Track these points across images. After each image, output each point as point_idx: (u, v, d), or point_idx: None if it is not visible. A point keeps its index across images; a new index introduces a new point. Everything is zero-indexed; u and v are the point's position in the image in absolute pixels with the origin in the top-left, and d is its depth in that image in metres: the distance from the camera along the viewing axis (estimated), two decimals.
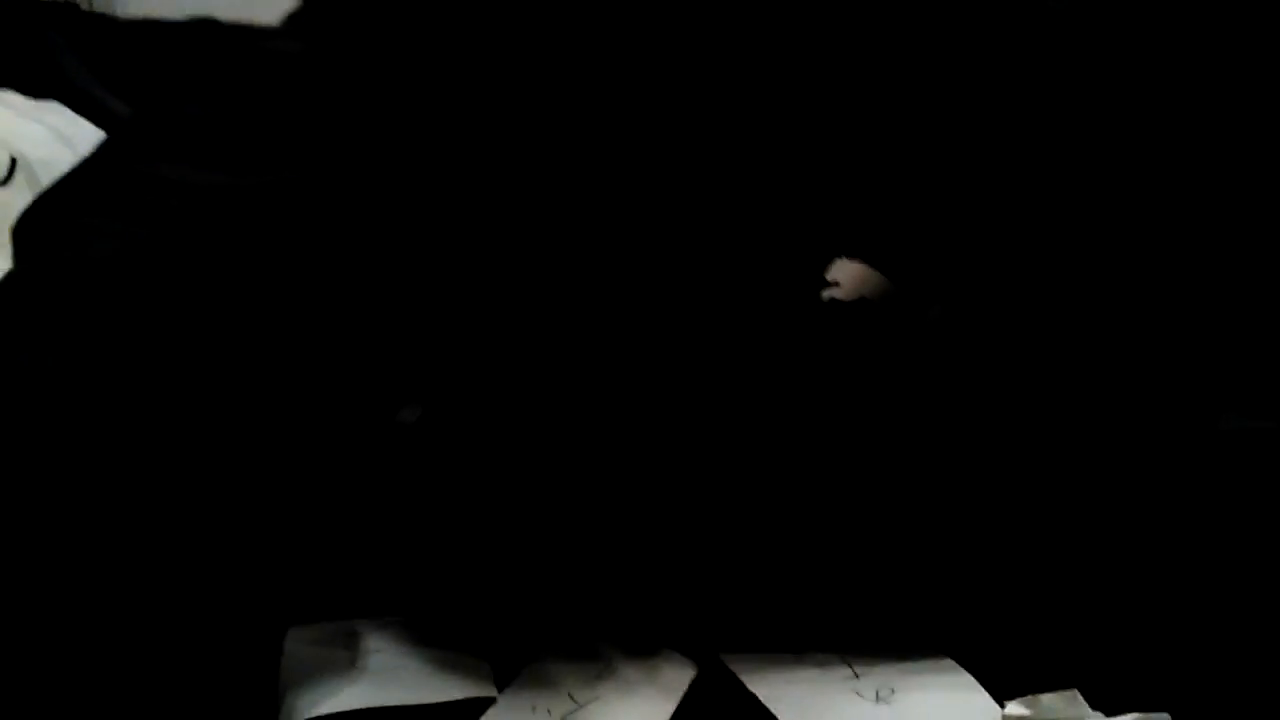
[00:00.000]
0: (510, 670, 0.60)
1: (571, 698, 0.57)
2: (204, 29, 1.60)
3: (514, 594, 0.63)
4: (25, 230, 0.61)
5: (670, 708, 0.57)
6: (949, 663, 0.58)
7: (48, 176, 1.43)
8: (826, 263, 0.62)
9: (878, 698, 0.56)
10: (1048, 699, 0.47)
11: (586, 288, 0.61)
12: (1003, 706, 0.50)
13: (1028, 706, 0.48)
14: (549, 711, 0.57)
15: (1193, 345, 0.62)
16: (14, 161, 1.41)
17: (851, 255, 0.62)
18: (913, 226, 0.63)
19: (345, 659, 0.61)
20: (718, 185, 0.61)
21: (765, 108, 0.61)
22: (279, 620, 0.61)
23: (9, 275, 0.60)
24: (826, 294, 0.61)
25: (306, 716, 0.57)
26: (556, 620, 0.62)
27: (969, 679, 0.56)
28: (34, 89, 1.54)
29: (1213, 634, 0.56)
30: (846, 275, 0.61)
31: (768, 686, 0.58)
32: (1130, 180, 0.62)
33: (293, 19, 0.65)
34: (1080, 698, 0.47)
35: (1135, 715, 0.46)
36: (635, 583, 0.61)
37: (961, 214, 0.62)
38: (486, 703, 0.58)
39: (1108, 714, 0.47)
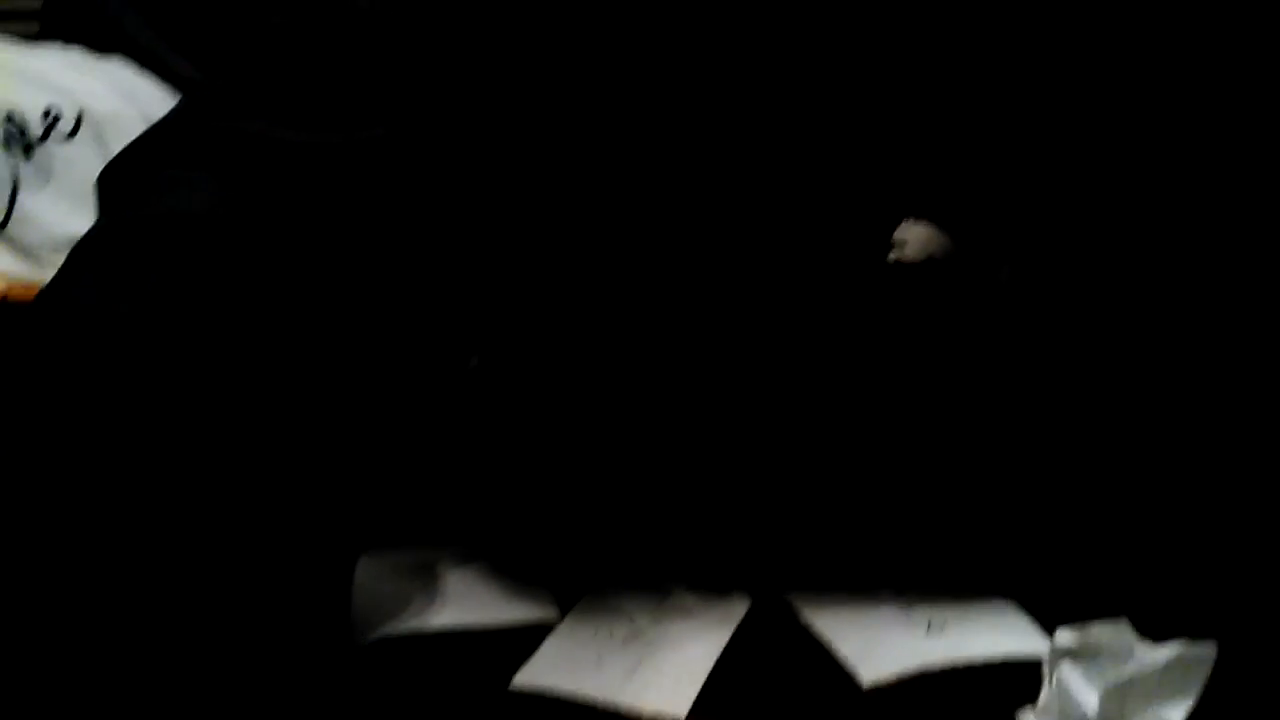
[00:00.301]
0: (574, 599, 0.63)
1: (632, 620, 0.59)
2: None
3: (576, 527, 0.65)
4: (111, 180, 0.63)
5: (727, 633, 0.59)
6: (1000, 600, 0.60)
7: (113, 131, 1.46)
8: (894, 225, 0.64)
9: (929, 628, 0.58)
10: (1097, 628, 0.49)
11: (662, 234, 0.63)
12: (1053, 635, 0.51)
13: (1077, 635, 0.50)
14: (611, 634, 0.59)
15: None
16: (80, 116, 1.43)
17: (918, 217, 0.63)
18: (976, 190, 0.64)
19: (416, 586, 0.63)
20: (790, 148, 0.63)
21: (831, 77, 0.62)
22: (353, 549, 0.64)
23: (98, 224, 0.62)
24: (894, 255, 0.63)
25: (379, 635, 0.60)
26: (617, 553, 0.64)
27: (1019, 613, 0.58)
28: (98, 45, 1.57)
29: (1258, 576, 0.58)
30: (914, 237, 0.63)
31: (822, 617, 0.60)
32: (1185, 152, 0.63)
33: None
34: (1129, 626, 0.49)
35: (1181, 641, 0.48)
36: (695, 519, 0.64)
37: (1022, 178, 0.63)
38: (550, 628, 0.61)
39: (1156, 642, 0.48)
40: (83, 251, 0.59)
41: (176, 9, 1.65)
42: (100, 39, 1.60)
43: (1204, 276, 0.63)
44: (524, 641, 0.60)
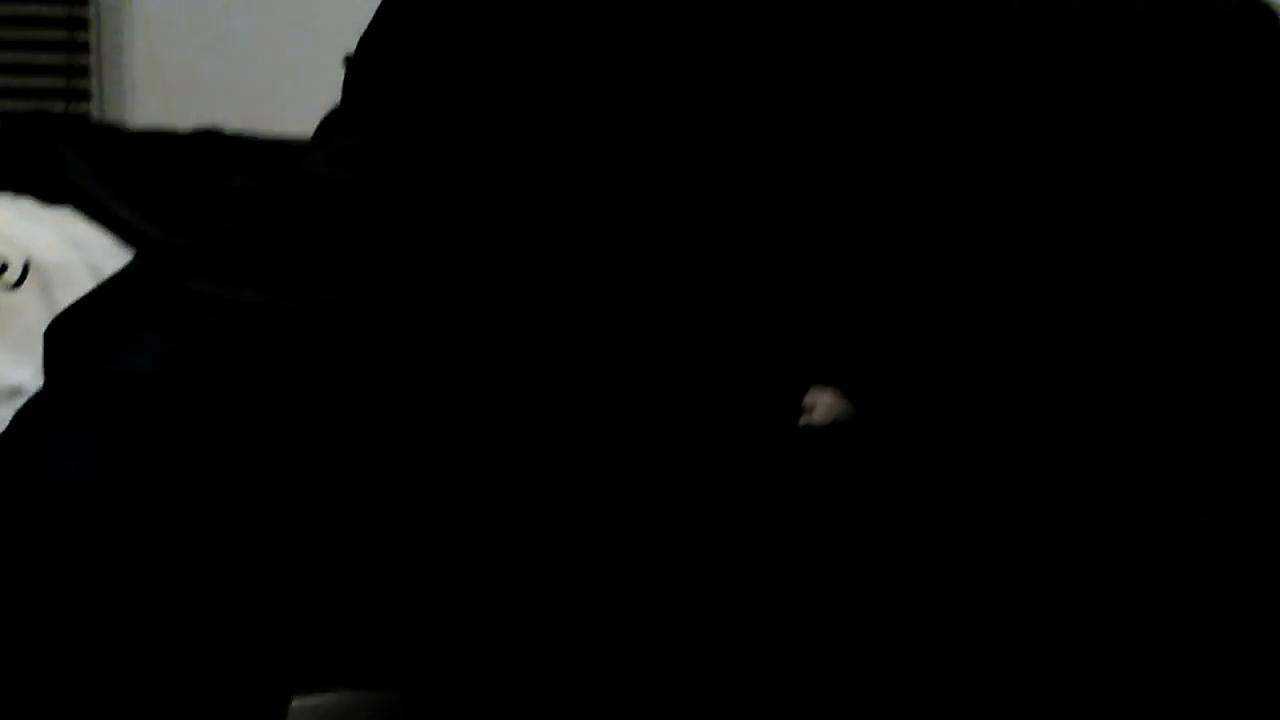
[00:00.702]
0: None
1: None
2: (210, 140, 1.68)
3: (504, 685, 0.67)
4: (59, 335, 0.62)
5: None
6: None
7: (59, 280, 1.49)
8: (803, 391, 0.68)
9: None
10: None
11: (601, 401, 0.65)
12: None
13: None
14: None
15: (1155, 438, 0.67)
16: (27, 265, 1.45)
17: (825, 384, 0.68)
18: (876, 362, 0.69)
19: None
20: (709, 330, 0.67)
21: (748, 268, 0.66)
22: (286, 690, 0.65)
23: (47, 383, 0.61)
24: (804, 420, 0.67)
25: None
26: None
27: None
28: (46, 196, 1.60)
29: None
30: (821, 402, 0.68)
31: None
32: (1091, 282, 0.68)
33: (327, 131, 0.66)
34: None
35: None
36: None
37: (917, 350, 0.68)
38: None
39: None
40: (33, 412, 0.59)
41: (124, 161, 1.69)
42: (49, 189, 1.63)
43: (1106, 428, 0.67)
44: None
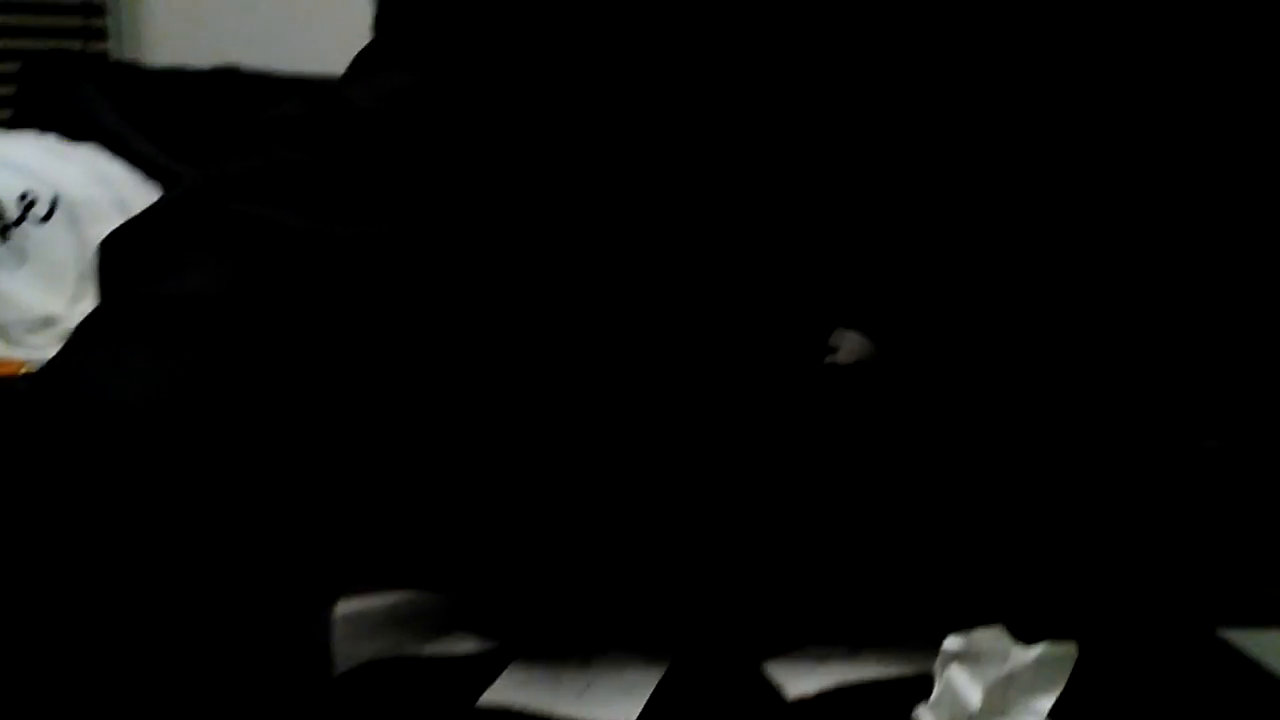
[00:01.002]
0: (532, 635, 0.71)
1: (581, 652, 0.68)
2: (228, 78, 1.71)
3: (538, 576, 0.72)
4: (114, 251, 0.61)
5: (664, 665, 0.68)
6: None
7: (87, 214, 1.53)
8: (830, 333, 0.72)
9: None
10: (978, 634, 0.58)
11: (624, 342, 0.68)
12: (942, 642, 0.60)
13: (962, 640, 0.58)
14: (564, 662, 0.67)
15: (1177, 367, 0.70)
16: (55, 201, 1.49)
17: (849, 327, 0.72)
18: (899, 306, 0.72)
19: (388, 622, 0.71)
20: (741, 274, 0.70)
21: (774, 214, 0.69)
22: (333, 592, 0.70)
23: (105, 301, 0.60)
24: (829, 359, 0.72)
25: (355, 663, 0.67)
26: (570, 597, 0.72)
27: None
28: (71, 133, 1.63)
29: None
30: (846, 343, 0.72)
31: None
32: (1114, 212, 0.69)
33: (367, 64, 0.66)
34: (1005, 632, 0.58)
35: (1048, 642, 0.56)
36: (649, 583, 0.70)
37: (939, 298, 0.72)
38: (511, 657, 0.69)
39: (1027, 644, 0.57)
40: (91, 328, 0.58)
41: (144, 99, 1.72)
42: (74, 126, 1.66)
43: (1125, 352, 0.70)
44: (489, 669, 0.68)
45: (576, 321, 0.68)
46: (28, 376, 1.40)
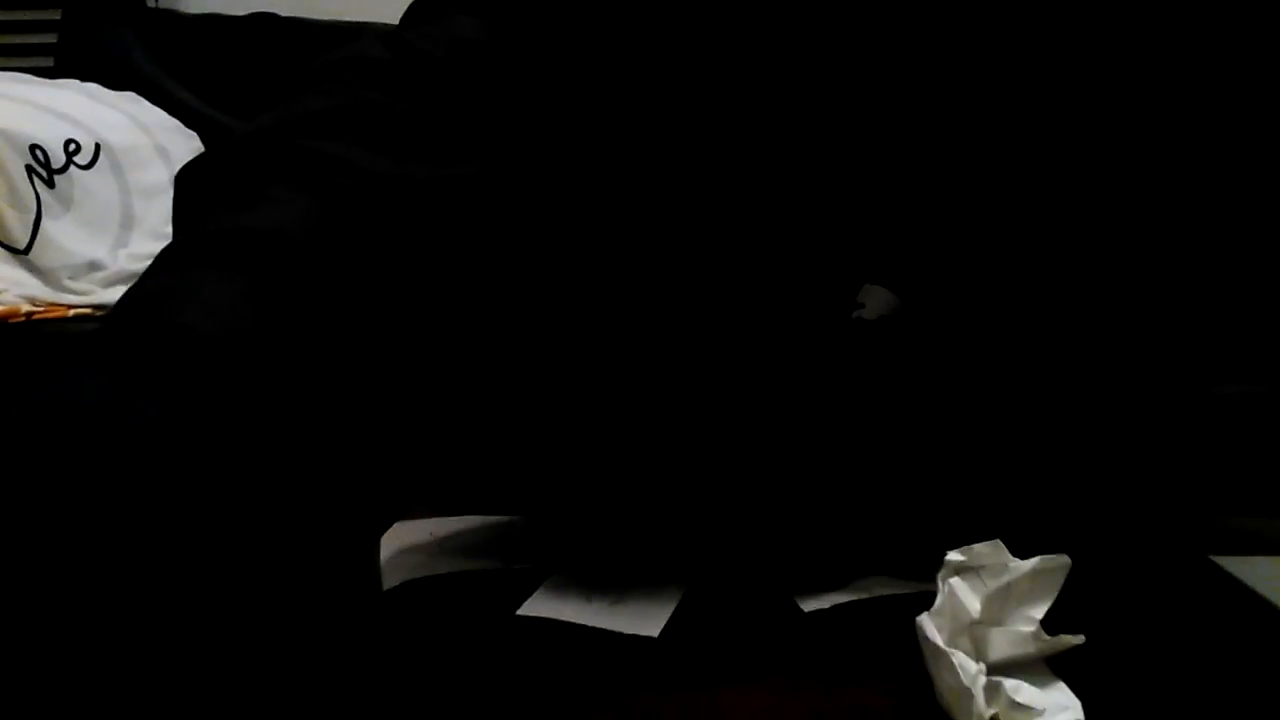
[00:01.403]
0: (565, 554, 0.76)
1: (612, 570, 0.73)
2: (265, 24, 1.74)
3: (570, 499, 0.77)
4: (191, 182, 0.60)
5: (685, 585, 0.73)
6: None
7: (130, 160, 1.57)
8: (857, 287, 0.75)
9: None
10: (978, 548, 0.62)
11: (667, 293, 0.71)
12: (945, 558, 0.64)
13: (963, 554, 0.63)
14: (595, 578, 0.73)
15: (1192, 313, 0.72)
16: (98, 148, 1.53)
17: (876, 281, 0.75)
18: (925, 261, 0.75)
19: (433, 543, 0.77)
20: (771, 228, 0.72)
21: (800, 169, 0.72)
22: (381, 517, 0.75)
23: (187, 233, 0.58)
24: (856, 313, 0.75)
25: (403, 580, 0.73)
26: (603, 521, 0.77)
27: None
28: (111, 81, 1.67)
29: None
30: (872, 298, 0.75)
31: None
32: (1124, 170, 0.70)
33: (431, 10, 0.66)
34: (1003, 546, 0.62)
35: (1041, 557, 0.61)
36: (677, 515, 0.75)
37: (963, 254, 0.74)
38: (545, 574, 0.74)
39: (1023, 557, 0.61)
40: (171, 259, 0.57)
41: (182, 46, 1.75)
42: (114, 74, 1.70)
43: (1136, 296, 0.73)
44: (526, 586, 0.73)
45: (626, 269, 0.70)
46: (78, 319, 1.45)
